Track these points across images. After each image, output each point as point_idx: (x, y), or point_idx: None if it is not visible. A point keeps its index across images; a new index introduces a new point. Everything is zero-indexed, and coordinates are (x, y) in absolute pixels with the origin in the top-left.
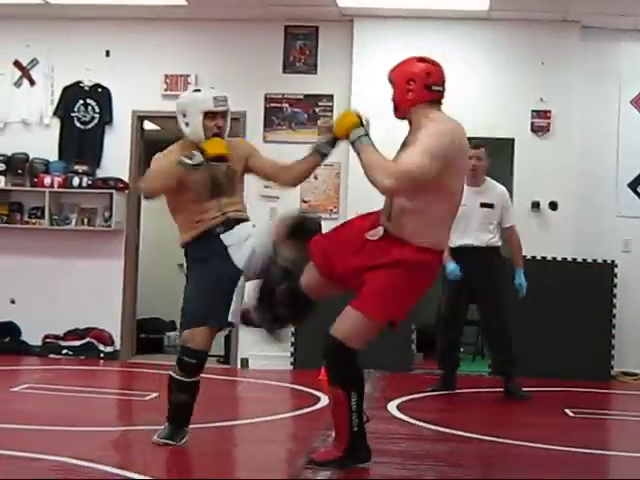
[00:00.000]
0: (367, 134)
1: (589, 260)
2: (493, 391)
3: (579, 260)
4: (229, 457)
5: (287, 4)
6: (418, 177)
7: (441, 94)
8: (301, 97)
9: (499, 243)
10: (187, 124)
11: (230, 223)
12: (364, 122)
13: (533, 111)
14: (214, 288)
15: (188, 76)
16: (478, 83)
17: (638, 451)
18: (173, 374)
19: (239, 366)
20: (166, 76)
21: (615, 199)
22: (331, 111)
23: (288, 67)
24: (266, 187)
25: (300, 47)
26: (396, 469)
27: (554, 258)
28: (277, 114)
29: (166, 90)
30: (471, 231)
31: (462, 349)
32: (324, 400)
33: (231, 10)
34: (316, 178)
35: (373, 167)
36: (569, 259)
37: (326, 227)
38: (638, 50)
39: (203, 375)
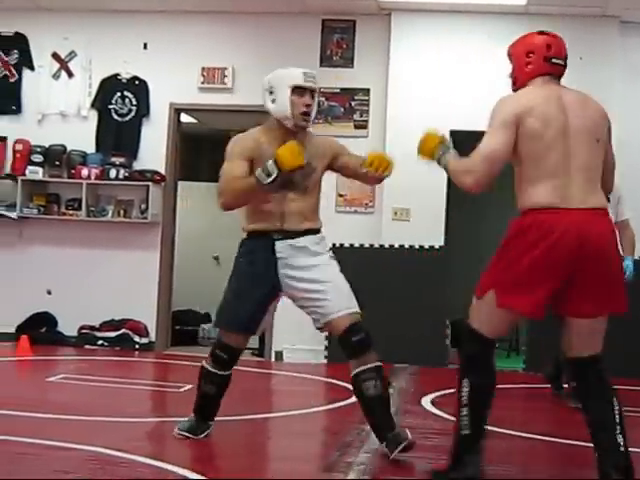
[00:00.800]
0: (449, 148)
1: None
2: (527, 387)
3: None
4: (262, 449)
5: None
6: (495, 160)
7: (561, 68)
8: (337, 91)
9: None
10: (273, 101)
11: (288, 233)
12: (445, 139)
13: None
14: (251, 295)
15: (225, 69)
16: None
17: None
18: (205, 364)
19: (273, 359)
20: (203, 69)
21: None
22: (367, 105)
23: (325, 61)
24: None
25: (337, 41)
26: (429, 464)
27: None
28: None
29: (203, 83)
30: None
31: (497, 345)
32: None
33: (269, 3)
34: None
35: (455, 174)
36: None
37: (361, 221)
38: None
39: (238, 368)
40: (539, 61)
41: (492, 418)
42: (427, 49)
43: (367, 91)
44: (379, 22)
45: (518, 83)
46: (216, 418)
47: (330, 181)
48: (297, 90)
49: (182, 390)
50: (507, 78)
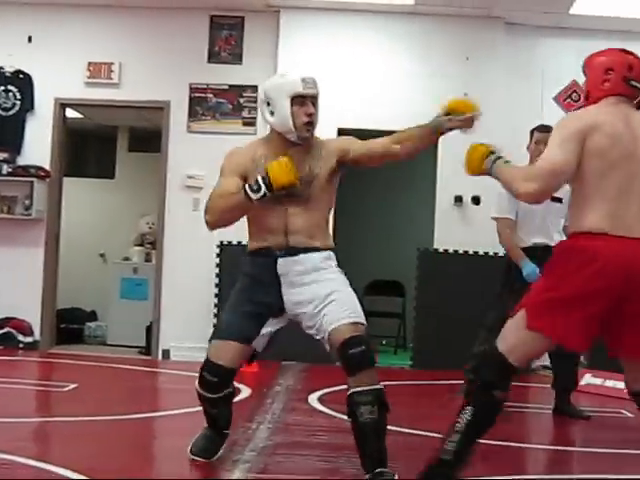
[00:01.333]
0: (499, 157)
1: None
2: (414, 384)
3: (501, 255)
4: (148, 449)
5: None
6: (558, 173)
7: (638, 92)
8: (226, 87)
9: None
10: (272, 113)
11: (293, 251)
12: (494, 150)
13: None
14: (250, 310)
15: (112, 64)
16: (403, 77)
17: (552, 443)
18: (198, 388)
19: (160, 357)
20: (89, 64)
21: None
22: (255, 102)
23: (213, 57)
24: (190, 177)
25: (226, 37)
26: (315, 461)
27: (476, 252)
28: (202, 104)
29: (89, 78)
30: (542, 229)
31: (384, 341)
32: (245, 392)
33: None
34: None
35: (513, 181)
36: (491, 253)
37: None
38: (561, 47)
39: (125, 367)
40: (617, 80)
41: None
42: (316, 47)
43: (255, 88)
44: (268, 19)
45: (591, 99)
46: (101, 417)
47: (214, 180)
48: (297, 99)
49: (66, 389)
50: (391, 78)
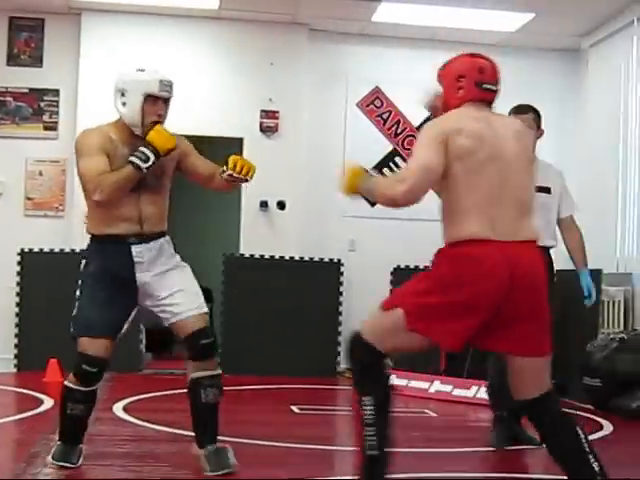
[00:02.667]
0: (371, 175)
1: (316, 259)
2: (225, 390)
3: (306, 259)
4: None
5: None
6: (430, 170)
7: (493, 94)
8: (26, 91)
9: (554, 243)
10: (124, 104)
11: (145, 237)
12: (366, 170)
13: (262, 111)
14: (112, 300)
15: None
16: (208, 82)
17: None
18: (70, 384)
19: None
20: None
21: (341, 199)
22: (56, 106)
23: (12, 60)
24: None
25: (25, 39)
26: (118, 471)
27: (282, 257)
28: (0, 108)
29: None
30: None
31: None
32: (47, 403)
33: None
34: (41, 174)
35: (385, 189)
36: (297, 258)
37: (51, 224)
38: (364, 54)
39: None
40: (470, 86)
41: (184, 422)
42: (119, 50)
43: (57, 92)
44: (69, 21)
45: (447, 109)
46: None
47: (19, 184)
48: (150, 98)
49: None
50: (196, 82)
